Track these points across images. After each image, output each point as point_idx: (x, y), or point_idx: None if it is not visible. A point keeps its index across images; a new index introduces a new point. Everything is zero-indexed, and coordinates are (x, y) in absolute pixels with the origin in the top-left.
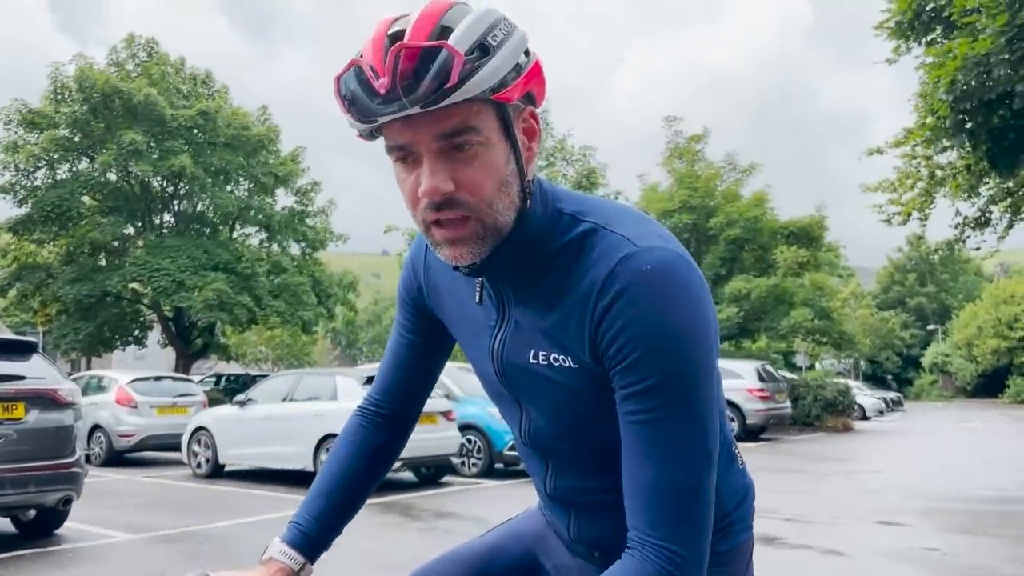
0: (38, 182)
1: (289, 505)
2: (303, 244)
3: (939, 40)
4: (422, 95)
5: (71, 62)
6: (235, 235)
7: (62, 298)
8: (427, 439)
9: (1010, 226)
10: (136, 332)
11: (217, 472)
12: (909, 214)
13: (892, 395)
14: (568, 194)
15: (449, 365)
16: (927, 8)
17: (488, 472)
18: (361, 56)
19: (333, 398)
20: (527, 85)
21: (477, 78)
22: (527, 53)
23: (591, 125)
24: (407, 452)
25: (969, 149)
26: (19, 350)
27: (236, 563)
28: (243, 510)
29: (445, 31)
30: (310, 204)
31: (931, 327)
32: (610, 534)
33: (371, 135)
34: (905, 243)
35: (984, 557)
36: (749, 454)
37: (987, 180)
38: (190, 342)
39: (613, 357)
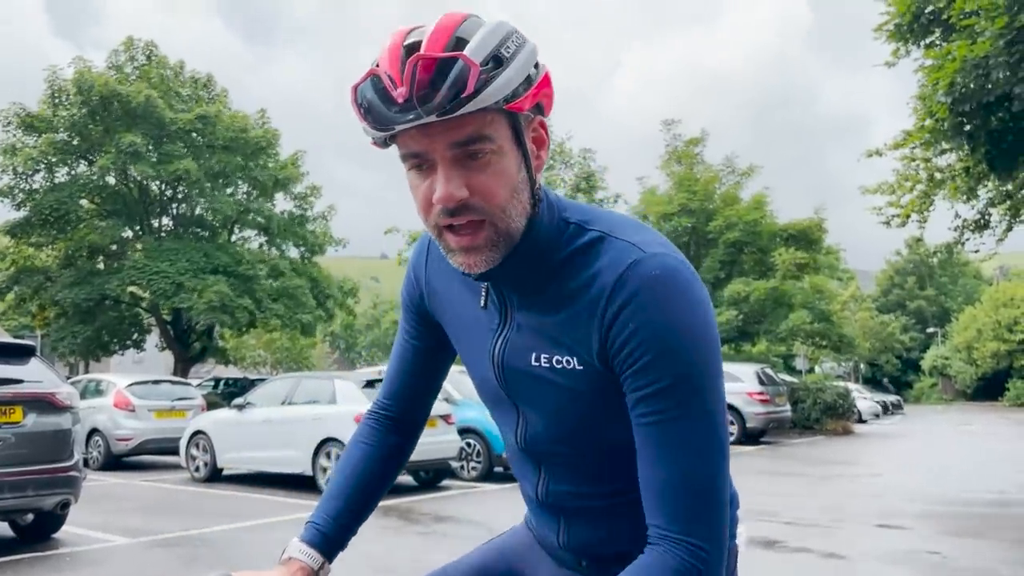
0: (36, 185)
1: (288, 509)
2: (302, 248)
3: (938, 43)
4: (438, 104)
5: (70, 65)
6: (234, 238)
7: (60, 301)
8: (426, 443)
9: (1009, 229)
10: (134, 336)
11: (215, 476)
12: (908, 216)
13: (891, 398)
14: (572, 204)
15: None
16: (926, 11)
17: (487, 476)
18: (377, 66)
19: (332, 402)
20: (537, 96)
21: (491, 88)
22: (537, 65)
23: (590, 127)
24: None
25: (968, 151)
26: (17, 353)
27: (235, 568)
28: (241, 514)
29: (460, 43)
30: (310, 209)
31: (931, 330)
32: (601, 540)
33: (385, 143)
34: (904, 246)
35: (984, 560)
36: (749, 457)
37: (986, 183)
38: (188, 346)
39: (625, 360)
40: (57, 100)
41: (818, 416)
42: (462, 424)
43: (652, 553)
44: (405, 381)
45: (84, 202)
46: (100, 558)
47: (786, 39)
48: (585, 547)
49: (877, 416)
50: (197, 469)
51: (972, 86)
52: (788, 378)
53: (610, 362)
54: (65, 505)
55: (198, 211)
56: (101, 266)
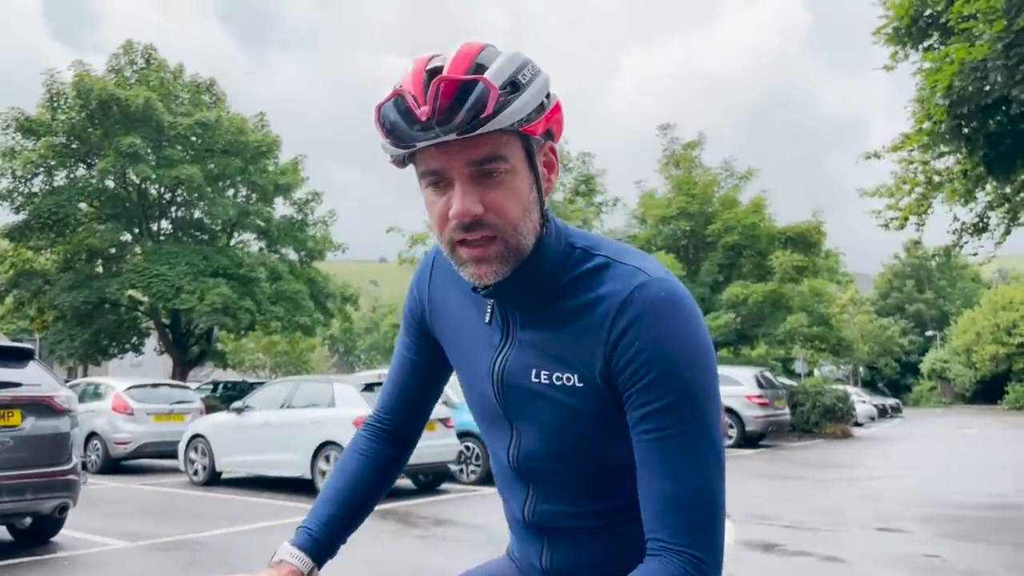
0: (35, 188)
1: (287, 513)
2: (302, 254)
3: (936, 46)
4: (459, 123)
5: (69, 69)
6: (233, 242)
7: (59, 305)
8: (425, 446)
9: (1007, 232)
10: (133, 339)
11: (214, 480)
12: (906, 219)
13: (890, 402)
14: (578, 231)
15: None
16: (924, 14)
17: (486, 479)
18: (400, 87)
19: (331, 405)
20: (548, 122)
21: (508, 111)
22: (548, 95)
23: (589, 130)
24: None
25: (966, 154)
26: (16, 357)
27: (232, 571)
28: (240, 518)
29: (480, 68)
30: (310, 214)
31: (929, 333)
32: (584, 564)
33: (403, 162)
34: (903, 249)
35: (983, 564)
36: (747, 461)
37: (984, 186)
38: (187, 349)
39: (629, 379)
40: (56, 104)
41: (817, 419)
42: (461, 428)
43: (652, 563)
44: (402, 396)
45: (83, 206)
46: (98, 562)
47: (784, 42)
48: (570, 570)
49: (872, 419)
50: (196, 473)
51: (970, 89)
52: (787, 381)
53: (613, 380)
54: (63, 509)
55: (197, 215)
56: (100, 269)
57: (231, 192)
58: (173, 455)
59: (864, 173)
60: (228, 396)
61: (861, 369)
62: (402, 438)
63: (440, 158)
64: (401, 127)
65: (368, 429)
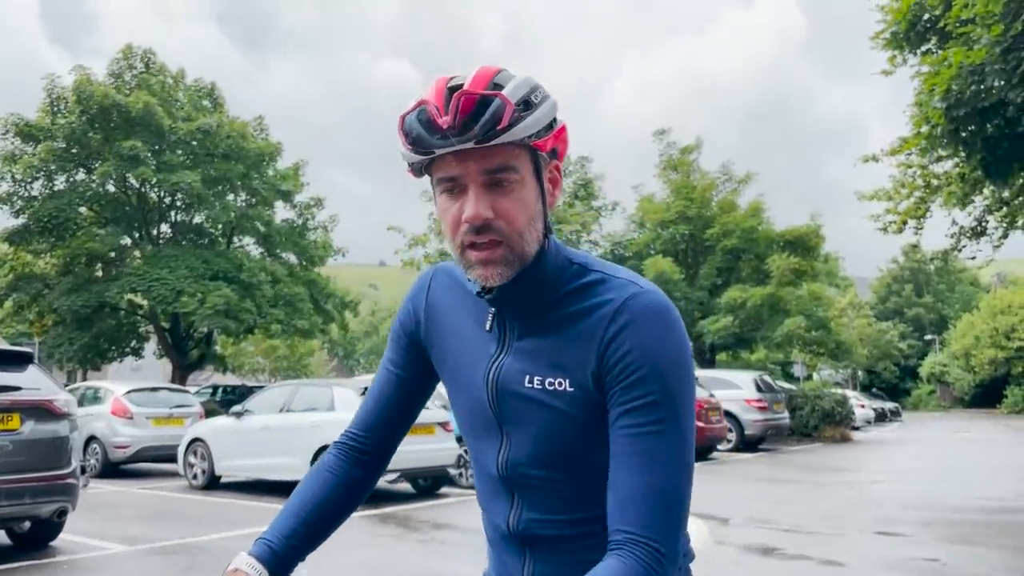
0: (35, 192)
1: None
2: (303, 259)
3: (934, 50)
4: (477, 132)
5: (70, 73)
6: (233, 246)
7: (58, 309)
8: (424, 450)
9: (1005, 235)
10: (132, 343)
11: (213, 483)
12: (905, 222)
13: (889, 405)
14: (576, 251)
15: None
16: (923, 18)
17: None
18: (424, 99)
19: (330, 409)
20: (555, 142)
21: (522, 125)
22: (555, 119)
23: (589, 133)
24: (405, 463)
25: (964, 158)
26: (15, 361)
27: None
28: (239, 522)
29: (497, 87)
30: (311, 219)
31: (928, 337)
32: (568, 574)
33: (420, 172)
34: (900, 254)
35: (983, 567)
36: (747, 465)
37: (981, 189)
38: (186, 353)
39: (618, 375)
40: (56, 108)
41: (816, 423)
42: (460, 432)
43: (622, 558)
44: (382, 413)
45: (83, 210)
46: (97, 566)
47: (782, 45)
48: None
49: (869, 422)
50: (195, 477)
51: (968, 93)
52: (786, 385)
53: (603, 379)
54: (62, 513)
55: (197, 219)
56: (99, 273)
57: (231, 196)
58: (172, 459)
59: (862, 177)
60: (227, 400)
61: (860, 373)
62: (375, 458)
63: (457, 166)
64: (423, 135)
65: (340, 448)
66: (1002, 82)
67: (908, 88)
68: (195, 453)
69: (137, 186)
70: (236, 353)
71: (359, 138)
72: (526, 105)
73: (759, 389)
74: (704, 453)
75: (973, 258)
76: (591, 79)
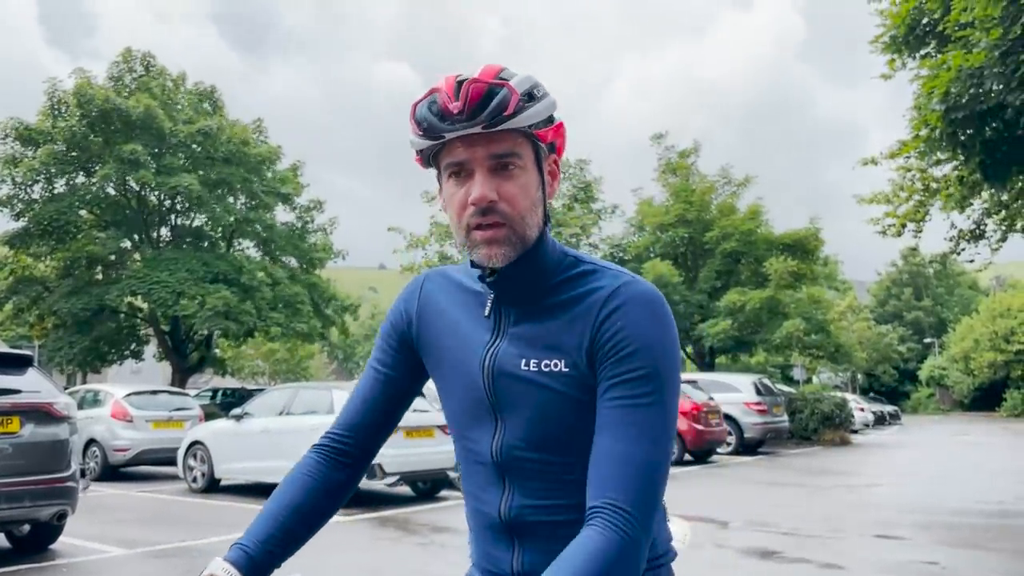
0: (35, 195)
1: None
2: (303, 262)
3: (933, 54)
4: (485, 118)
5: (70, 76)
6: (232, 250)
7: (58, 312)
8: (424, 453)
9: (1004, 238)
10: (132, 346)
11: (213, 487)
12: (904, 226)
13: (889, 408)
14: (570, 248)
15: None
16: (922, 22)
17: None
18: (435, 89)
19: (330, 412)
20: (554, 136)
21: (526, 114)
22: (554, 116)
23: (589, 135)
24: (404, 466)
25: (962, 160)
26: (15, 364)
27: None
28: (239, 525)
29: (502, 79)
30: (311, 222)
31: (928, 341)
32: None
33: (428, 162)
34: (900, 257)
35: (982, 571)
36: (746, 468)
37: (980, 192)
38: (186, 356)
39: (609, 352)
40: (57, 112)
41: (815, 426)
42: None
43: (605, 529)
44: (368, 414)
45: (83, 213)
46: (97, 569)
47: (781, 47)
48: (539, 574)
49: (868, 426)
50: (195, 480)
51: (966, 95)
52: (785, 388)
53: (594, 355)
54: (62, 516)
55: (197, 222)
56: (99, 276)
57: (231, 200)
58: (172, 462)
59: (862, 180)
60: (227, 403)
61: (859, 376)
62: (357, 460)
63: (465, 151)
64: (434, 122)
65: (320, 451)
66: (1001, 85)
67: (907, 92)
68: (195, 456)
69: (137, 189)
70: (236, 356)
71: (359, 141)
72: (529, 97)
73: (758, 392)
74: (703, 456)
75: (971, 261)
76: (591, 79)
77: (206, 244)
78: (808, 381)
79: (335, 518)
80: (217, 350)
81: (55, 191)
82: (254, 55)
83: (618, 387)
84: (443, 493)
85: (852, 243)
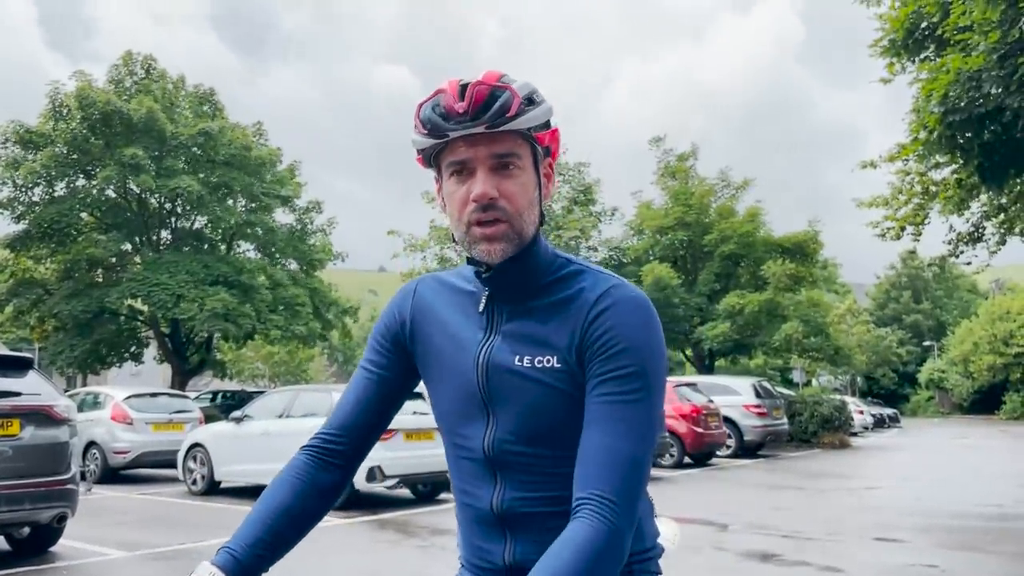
0: (36, 198)
1: None
2: (303, 264)
3: (932, 58)
4: (488, 118)
5: (71, 79)
6: (232, 252)
7: (59, 314)
8: (424, 456)
9: (1002, 241)
10: (132, 349)
11: (213, 489)
12: (903, 229)
13: (888, 411)
14: (560, 251)
15: None
16: (921, 26)
17: None
18: (440, 91)
19: (330, 414)
20: (550, 140)
21: (526, 116)
22: (550, 121)
23: (589, 136)
24: (405, 469)
25: (961, 163)
26: (15, 366)
27: None
28: None
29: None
30: (310, 223)
31: (927, 343)
32: None
33: (429, 162)
34: (898, 260)
35: (982, 574)
36: (746, 471)
37: (978, 195)
38: (187, 358)
39: (599, 350)
40: (58, 115)
41: (815, 429)
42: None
43: (593, 521)
44: (361, 415)
45: (84, 215)
46: (97, 572)
47: (781, 50)
48: (531, 564)
49: (867, 428)
50: (194, 482)
51: (965, 98)
52: (785, 391)
53: (583, 353)
54: (62, 518)
55: (197, 225)
56: (100, 279)
57: (230, 202)
58: (172, 465)
59: (860, 184)
60: (227, 405)
61: (859, 379)
62: (348, 460)
63: (468, 150)
64: (438, 122)
65: (310, 452)
66: (999, 89)
67: (906, 95)
68: (195, 458)
69: (138, 192)
70: (236, 359)
71: (358, 144)
72: (529, 101)
73: (758, 395)
74: (703, 459)
75: (969, 263)
76: (590, 80)
77: (206, 246)
78: (807, 384)
79: (335, 520)
80: (217, 352)
81: (56, 194)
82: (253, 57)
83: (606, 384)
84: (443, 496)
85: (851, 246)
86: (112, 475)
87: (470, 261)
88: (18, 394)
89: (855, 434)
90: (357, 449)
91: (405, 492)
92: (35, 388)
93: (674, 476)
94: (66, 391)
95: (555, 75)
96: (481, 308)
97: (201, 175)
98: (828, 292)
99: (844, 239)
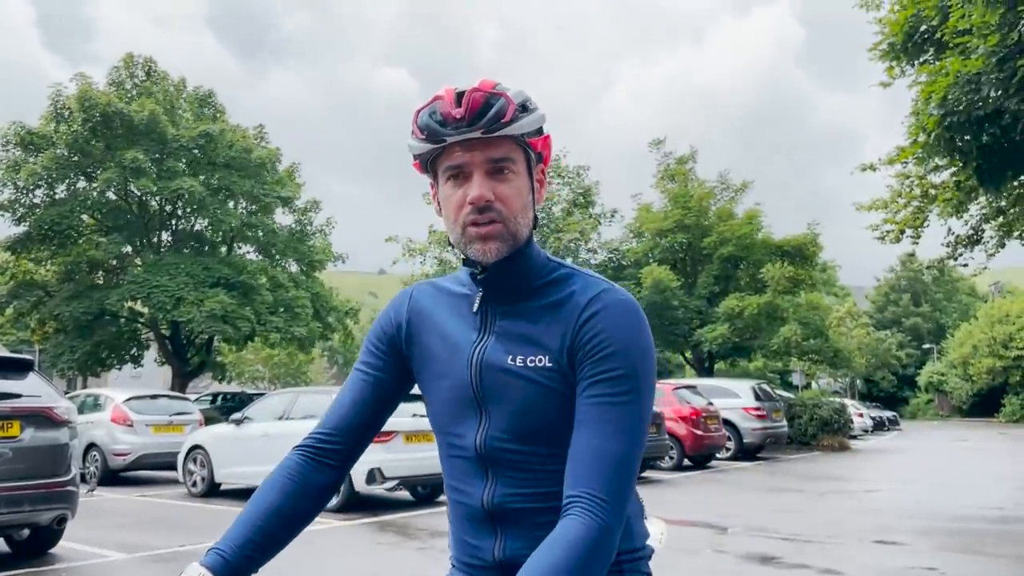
0: (37, 200)
1: None
2: (303, 265)
3: (931, 61)
4: (484, 124)
5: (72, 81)
6: (233, 254)
7: (59, 316)
8: (424, 458)
9: (1001, 244)
10: (133, 351)
11: (213, 491)
12: (903, 231)
13: (888, 414)
14: (552, 256)
15: None
16: (920, 30)
17: None
18: (439, 96)
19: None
20: (542, 147)
21: (521, 122)
22: (543, 128)
23: (589, 139)
24: (404, 471)
25: (960, 166)
26: (15, 368)
27: None
28: None
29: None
30: (309, 224)
31: (926, 346)
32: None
33: (425, 168)
34: (898, 263)
35: None
36: (746, 473)
37: (976, 197)
38: (187, 360)
39: (589, 352)
40: (60, 117)
41: (815, 432)
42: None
43: (572, 518)
44: (356, 416)
45: (84, 217)
46: (97, 574)
47: (779, 54)
48: (521, 560)
49: (867, 431)
50: (194, 484)
51: (964, 101)
52: (784, 394)
53: (574, 354)
54: (62, 520)
55: (197, 227)
56: (100, 281)
57: (231, 204)
58: (172, 467)
59: (859, 187)
60: (227, 407)
61: (858, 382)
62: (342, 461)
63: (464, 154)
64: (435, 127)
65: (303, 452)
66: (998, 91)
67: (906, 98)
68: (195, 460)
69: (138, 194)
70: (236, 361)
71: (358, 146)
72: (523, 108)
73: (758, 397)
74: (702, 461)
75: (965, 265)
76: (590, 82)
77: (207, 248)
78: (807, 386)
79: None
80: (218, 355)
81: (56, 196)
82: (252, 59)
83: (597, 385)
84: (442, 498)
85: (851, 249)
86: (112, 477)
87: (465, 263)
88: (18, 396)
89: (854, 437)
90: (351, 450)
91: (405, 494)
92: (35, 390)
93: (673, 478)
94: (66, 393)
95: (554, 77)
96: (475, 309)
97: (201, 177)
98: (827, 295)
99: (843, 242)
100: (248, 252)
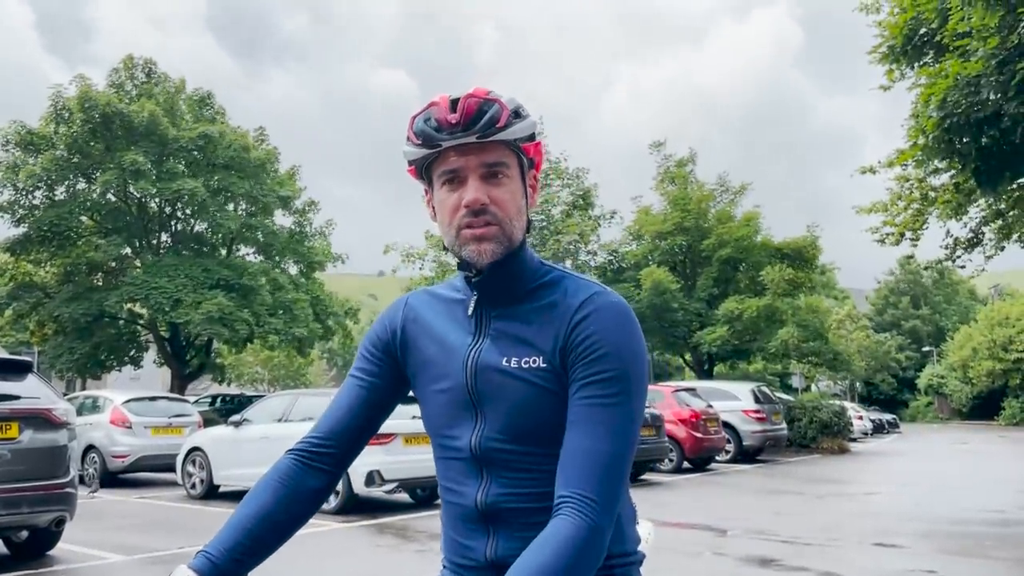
0: (36, 201)
1: None
2: (302, 265)
3: (931, 64)
4: (479, 129)
5: (72, 83)
6: (232, 255)
7: (58, 318)
8: (423, 460)
9: (1000, 247)
10: (132, 352)
11: (212, 493)
12: (902, 234)
13: (887, 417)
14: (545, 260)
15: None
16: (919, 32)
17: None
18: (434, 102)
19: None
20: (534, 153)
21: (514, 128)
22: (535, 135)
23: (588, 141)
24: (403, 473)
25: (959, 167)
26: (14, 370)
27: None
28: None
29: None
30: (309, 225)
31: (926, 349)
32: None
33: (420, 174)
34: (897, 266)
35: None
36: (745, 476)
37: (976, 200)
38: (186, 362)
39: (582, 353)
40: (60, 118)
41: (814, 434)
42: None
43: (563, 517)
44: (351, 421)
45: (84, 219)
46: (96, 575)
47: (779, 56)
48: (512, 560)
49: (867, 434)
50: (193, 486)
51: (963, 103)
52: (784, 396)
53: (567, 356)
54: (60, 522)
55: (197, 228)
56: (99, 283)
57: (231, 206)
58: (171, 468)
59: (858, 190)
60: (226, 409)
61: (858, 385)
62: (336, 466)
63: (459, 159)
64: (430, 133)
65: (296, 457)
66: (998, 94)
67: (905, 101)
68: (194, 462)
69: (138, 196)
70: (235, 363)
71: (357, 148)
72: (516, 114)
73: (757, 400)
74: (702, 464)
75: (963, 267)
76: (590, 83)
77: (207, 250)
78: (807, 389)
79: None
80: (217, 357)
81: (56, 197)
82: (251, 61)
83: (589, 387)
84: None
85: (850, 251)
86: (111, 479)
87: (460, 266)
88: (17, 397)
89: (854, 439)
90: (344, 455)
91: (404, 496)
92: (34, 391)
93: (673, 481)
94: (65, 395)
95: (554, 78)
96: (470, 312)
97: (201, 179)
98: (827, 297)
99: (843, 244)
100: (248, 254)
